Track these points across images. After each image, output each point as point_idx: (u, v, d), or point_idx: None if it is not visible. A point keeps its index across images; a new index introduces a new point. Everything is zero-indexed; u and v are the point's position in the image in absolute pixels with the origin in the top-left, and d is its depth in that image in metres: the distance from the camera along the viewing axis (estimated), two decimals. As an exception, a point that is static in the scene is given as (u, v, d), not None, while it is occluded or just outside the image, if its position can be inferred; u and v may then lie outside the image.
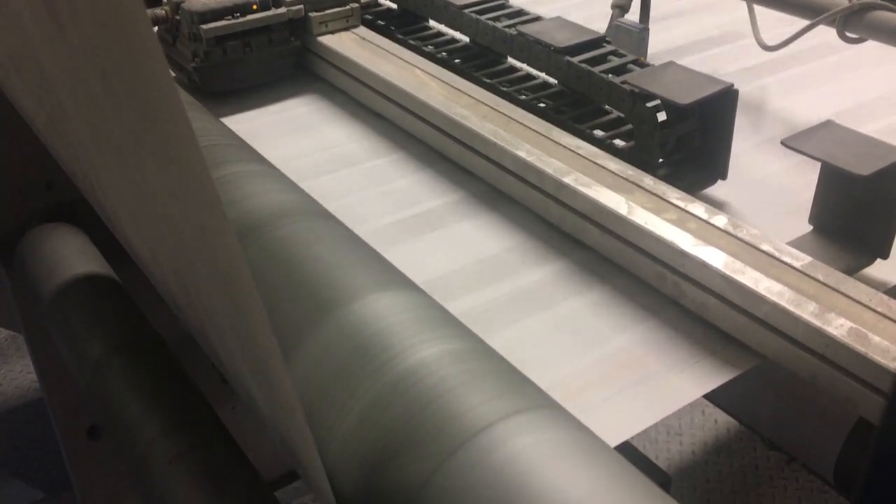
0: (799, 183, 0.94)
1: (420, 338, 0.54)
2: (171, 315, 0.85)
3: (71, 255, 1.44)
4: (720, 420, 2.16)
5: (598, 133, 0.97)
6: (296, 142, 1.06)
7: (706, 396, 0.77)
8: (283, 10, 1.11)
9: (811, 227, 0.84)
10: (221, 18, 1.07)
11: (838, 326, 0.66)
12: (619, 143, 0.95)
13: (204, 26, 1.06)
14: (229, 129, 0.87)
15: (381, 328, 0.55)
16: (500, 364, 0.54)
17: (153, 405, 1.10)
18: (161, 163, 0.41)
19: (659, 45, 1.23)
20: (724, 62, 1.23)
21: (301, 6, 1.12)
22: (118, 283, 1.38)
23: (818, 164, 0.81)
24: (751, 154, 1.01)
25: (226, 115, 1.10)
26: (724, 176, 0.92)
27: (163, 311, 1.02)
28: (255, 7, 1.09)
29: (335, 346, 0.55)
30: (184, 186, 0.40)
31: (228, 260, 0.40)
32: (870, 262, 0.80)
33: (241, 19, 1.08)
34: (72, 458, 1.68)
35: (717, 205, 0.92)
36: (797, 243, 0.81)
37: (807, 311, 0.67)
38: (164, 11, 1.09)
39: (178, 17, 1.08)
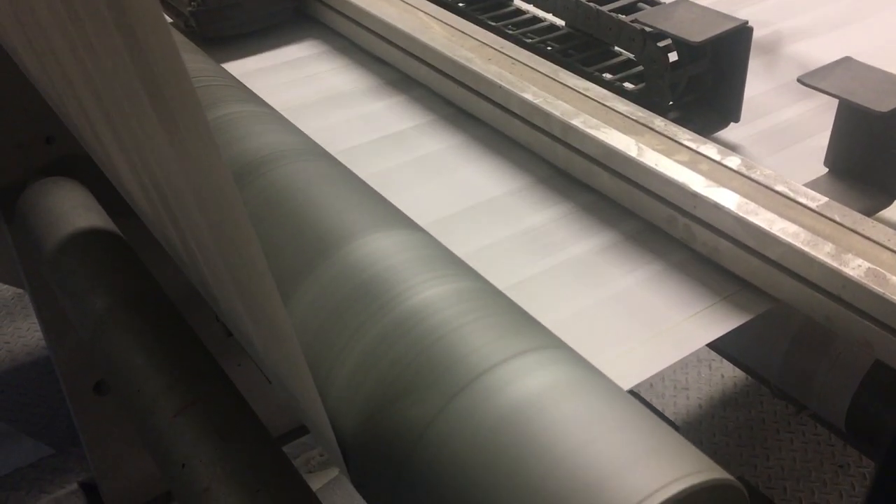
0: (815, 126, 0.92)
1: (423, 277, 0.52)
2: (175, 269, 0.83)
3: (72, 210, 1.42)
4: (727, 374, 2.15)
5: (607, 76, 0.94)
6: (295, 88, 1.03)
7: (716, 346, 0.76)
8: (281, -49, 1.08)
9: (827, 171, 0.82)
10: (218, -40, 1.04)
11: (855, 267, 0.64)
12: (628, 85, 0.92)
13: (200, -31, 1.02)
14: (225, 71, 0.84)
15: (382, 268, 0.53)
16: (506, 304, 0.53)
17: (157, 359, 1.09)
18: (155, 104, 0.40)
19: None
20: (738, 4, 1.19)
21: (300, -53, 1.09)
22: (121, 237, 1.36)
23: (834, 108, 0.78)
24: (765, 97, 0.98)
25: (224, 61, 1.07)
26: (737, 118, 0.89)
27: (166, 264, 1.00)
28: (252, -51, 1.06)
29: (335, 287, 0.53)
30: (179, 129, 0.38)
31: (225, 201, 0.39)
32: (888, 203, 0.78)
33: (238, -39, 1.05)
34: (79, 414, 1.68)
35: (730, 148, 0.90)
36: (813, 185, 0.79)
37: (822, 252, 0.65)
38: (158, -46, 1.06)
39: (172, -40, 1.05)
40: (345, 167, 0.67)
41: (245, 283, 0.45)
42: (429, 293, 0.51)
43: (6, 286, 2.49)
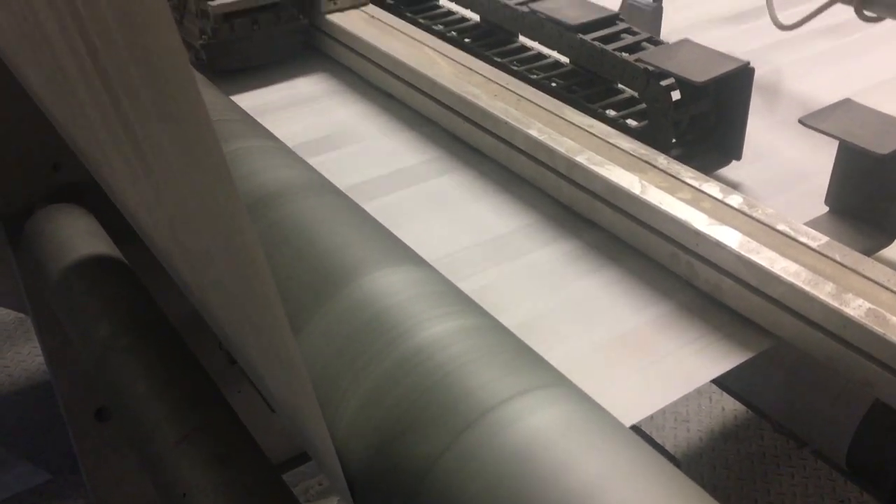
0: (815, 165, 0.93)
1: (430, 314, 0.53)
2: (179, 296, 0.84)
3: (78, 236, 1.43)
4: (727, 407, 2.15)
5: (611, 113, 0.96)
6: (303, 120, 1.04)
7: (716, 380, 0.76)
8: (291, -14, 1.10)
9: (827, 209, 0.83)
10: (229, -5, 1.06)
11: (856, 307, 0.64)
12: (631, 122, 0.94)
13: (212, 3, 1.04)
14: (236, 105, 0.86)
15: (390, 304, 0.54)
16: (512, 341, 0.53)
17: (160, 387, 1.09)
18: (174, 138, 0.41)
19: (673, 23, 1.21)
20: (740, 41, 1.21)
21: (310, -17, 1.11)
22: (125, 264, 1.37)
23: (835, 147, 0.79)
24: (766, 135, 1.00)
25: (233, 94, 1.09)
26: (738, 156, 0.91)
27: (170, 291, 1.01)
28: (263, -16, 1.08)
29: (344, 322, 0.54)
30: (195, 162, 0.39)
31: (240, 236, 0.40)
32: (888, 242, 0.79)
33: (249, -4, 1.07)
34: (79, 440, 1.68)
35: (732, 186, 0.91)
36: (814, 224, 0.80)
37: (824, 292, 0.66)
38: (171, -12, 1.08)
39: (185, -6, 1.07)
40: (354, 202, 0.68)
41: (256, 317, 0.46)
42: (436, 329, 0.52)
43: (7, 310, 2.49)
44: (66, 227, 1.45)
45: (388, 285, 0.55)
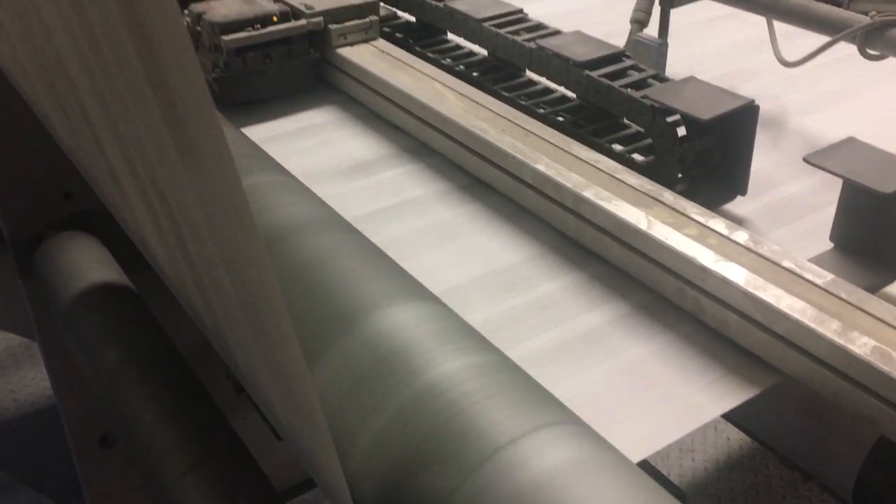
0: (820, 200, 0.94)
1: (442, 350, 0.54)
2: (186, 323, 0.85)
3: (87, 264, 1.45)
4: (733, 437, 2.15)
5: (617, 147, 0.97)
6: (313, 153, 1.06)
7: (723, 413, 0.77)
8: (303, 21, 1.12)
9: (832, 245, 0.84)
10: (242, 30, 1.08)
11: (861, 345, 0.65)
12: (638, 157, 0.95)
13: (225, 37, 1.06)
14: (250, 140, 0.87)
15: (402, 341, 0.55)
16: (522, 378, 0.54)
17: (168, 416, 1.10)
18: (192, 173, 0.41)
19: (678, 59, 1.23)
20: (744, 77, 1.23)
21: (321, 18, 1.13)
22: (134, 292, 1.38)
23: (839, 182, 0.80)
24: (771, 170, 1.01)
25: (245, 125, 1.11)
26: (743, 192, 0.92)
27: (178, 318, 1.02)
28: (275, 19, 1.10)
29: (357, 359, 0.55)
30: (214, 197, 0.40)
31: (257, 272, 0.40)
32: (892, 279, 0.79)
33: (261, 31, 1.09)
34: (83, 467, 1.68)
35: (737, 221, 0.92)
36: (818, 260, 0.81)
37: (829, 329, 0.67)
38: (185, 22, 1.10)
39: (199, 28, 1.09)
40: (366, 238, 0.69)
41: (272, 352, 0.46)
42: (447, 367, 0.53)
43: (13, 335, 2.50)
44: (76, 255, 1.46)
45: (401, 322, 0.56)
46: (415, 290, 0.61)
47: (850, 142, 0.81)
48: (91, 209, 1.54)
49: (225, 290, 0.50)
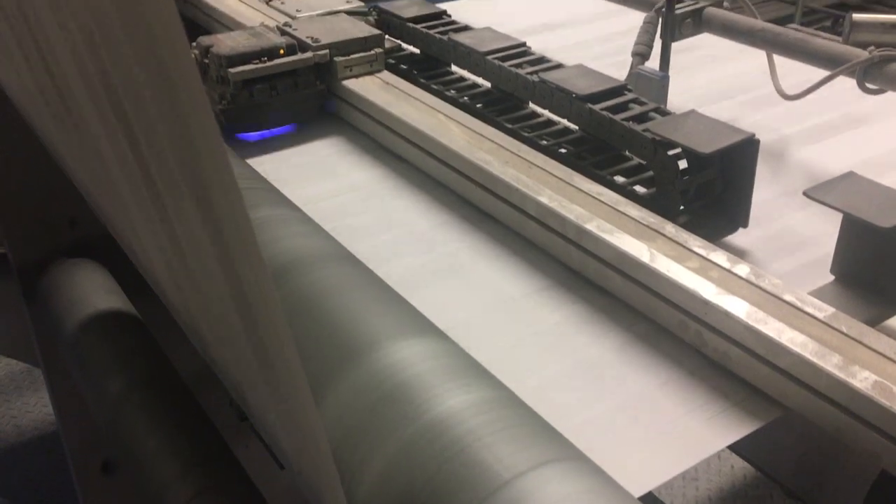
0: (821, 232, 0.95)
1: (447, 386, 0.54)
2: (189, 350, 0.85)
3: (93, 291, 1.46)
4: (737, 466, 2.14)
5: (619, 179, 0.98)
6: (318, 184, 1.07)
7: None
8: (309, 54, 1.13)
9: (833, 277, 0.85)
10: (249, 62, 1.09)
11: (863, 379, 0.66)
12: (640, 189, 0.96)
13: (232, 70, 1.08)
14: (256, 172, 0.88)
15: (407, 377, 0.55)
16: (528, 414, 0.55)
17: (171, 444, 1.10)
18: (200, 205, 0.42)
19: (679, 92, 1.24)
20: (744, 110, 1.24)
21: (327, 51, 1.15)
22: (139, 319, 1.39)
23: (839, 214, 0.81)
24: (772, 203, 1.02)
25: (250, 156, 1.12)
26: (745, 224, 0.93)
27: (181, 345, 1.03)
28: (282, 52, 1.12)
29: (363, 394, 0.55)
30: (222, 231, 0.41)
31: (265, 306, 0.41)
32: (893, 313, 0.80)
33: (268, 63, 1.10)
34: (85, 493, 1.68)
35: (739, 253, 0.93)
36: (819, 293, 0.82)
37: (830, 364, 0.67)
38: (193, 55, 1.12)
39: (206, 61, 1.11)
40: (372, 272, 0.70)
41: (279, 385, 0.47)
42: (452, 402, 0.53)
43: (16, 360, 2.50)
44: (81, 282, 1.47)
45: (407, 357, 0.57)
46: (421, 324, 0.62)
47: (850, 176, 0.82)
48: (96, 235, 1.55)
49: (232, 323, 0.51)
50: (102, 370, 1.27)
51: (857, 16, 1.66)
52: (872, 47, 0.99)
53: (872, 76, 0.99)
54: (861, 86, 1.01)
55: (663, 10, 1.15)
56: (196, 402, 1.20)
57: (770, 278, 0.77)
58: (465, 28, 1.25)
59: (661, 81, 1.12)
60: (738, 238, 0.94)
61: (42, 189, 1.53)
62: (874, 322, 0.79)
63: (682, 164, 0.92)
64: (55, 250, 1.56)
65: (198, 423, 1.18)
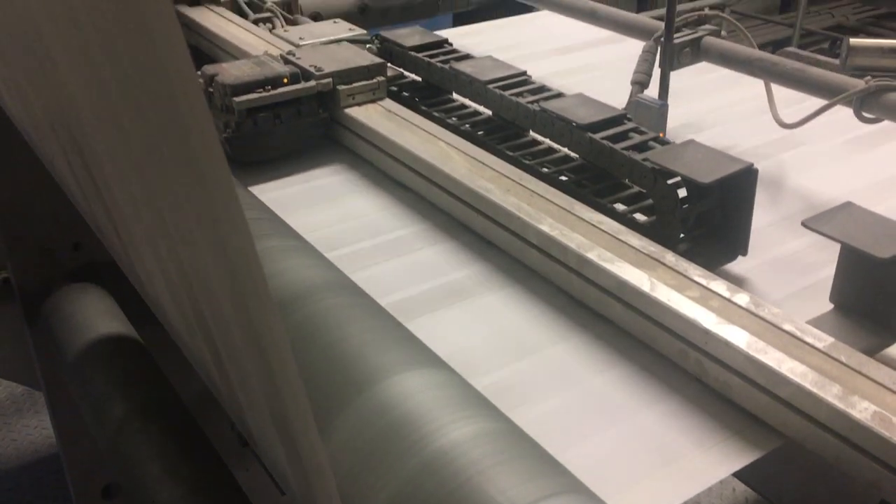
0: (819, 259, 0.96)
1: (450, 418, 0.55)
2: (192, 373, 0.86)
3: (95, 315, 1.46)
4: (739, 489, 2.13)
5: (620, 207, 0.99)
6: (321, 211, 1.08)
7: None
8: (312, 83, 1.15)
9: (832, 306, 0.85)
10: (253, 91, 1.11)
11: (862, 410, 0.66)
12: (640, 217, 0.97)
13: (236, 99, 1.09)
14: (260, 202, 0.89)
15: (411, 408, 0.56)
16: (529, 445, 0.55)
17: (172, 469, 1.11)
18: (206, 234, 0.42)
19: (678, 119, 1.26)
20: (742, 137, 1.26)
21: (330, 80, 1.16)
22: (141, 344, 1.39)
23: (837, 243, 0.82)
24: (771, 230, 1.03)
25: (253, 184, 1.13)
26: (744, 252, 0.94)
27: (183, 368, 1.03)
28: (285, 80, 1.13)
29: (367, 425, 0.56)
30: (227, 262, 0.41)
31: (270, 337, 0.42)
32: (892, 341, 0.81)
33: (272, 92, 1.11)
34: (85, 517, 1.67)
35: (738, 280, 0.94)
36: (818, 322, 0.82)
37: (830, 394, 0.68)
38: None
39: (211, 90, 1.12)
40: (376, 303, 0.70)
41: (283, 415, 0.47)
42: (456, 434, 0.54)
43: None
44: (84, 307, 1.48)
45: (410, 388, 0.58)
46: (424, 355, 0.63)
47: (848, 206, 0.83)
48: (100, 260, 1.56)
49: (238, 354, 0.51)
50: (104, 394, 1.28)
51: (854, 41, 1.68)
52: (869, 77, 1.00)
53: (869, 105, 1.00)
54: (858, 115, 1.02)
55: (662, 39, 1.16)
56: (198, 427, 1.20)
57: (770, 307, 0.78)
58: (467, 56, 1.27)
59: (660, 109, 1.14)
60: (737, 265, 0.95)
61: (46, 214, 1.54)
62: (873, 351, 0.80)
63: (682, 192, 0.93)
64: (58, 275, 1.56)
65: (199, 447, 1.19)
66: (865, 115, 1.02)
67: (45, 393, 1.65)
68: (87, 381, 1.32)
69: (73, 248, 1.58)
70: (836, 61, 1.71)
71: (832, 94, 1.03)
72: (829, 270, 0.86)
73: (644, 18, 1.32)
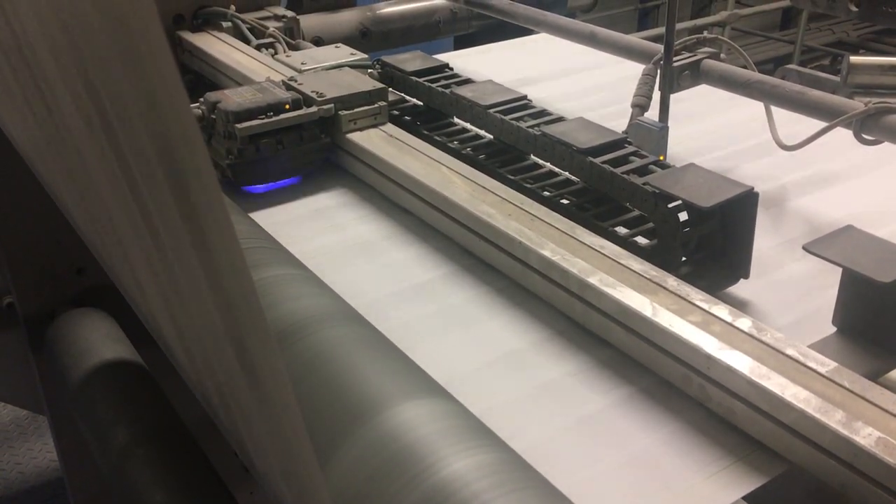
0: (821, 282, 0.95)
1: (453, 448, 0.55)
2: (194, 397, 0.86)
3: (99, 341, 1.46)
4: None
5: (621, 230, 0.99)
6: (322, 236, 1.08)
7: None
8: (314, 108, 1.15)
9: (834, 329, 0.85)
10: (255, 117, 1.11)
11: (866, 436, 0.66)
12: (641, 240, 0.97)
13: (239, 125, 1.10)
14: (262, 229, 0.90)
15: (413, 439, 0.56)
16: (533, 476, 0.55)
17: (177, 496, 1.10)
18: (204, 265, 0.43)
19: (678, 141, 1.26)
20: (743, 159, 1.26)
21: (331, 105, 1.17)
22: (145, 369, 1.39)
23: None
24: (772, 252, 1.03)
25: (255, 209, 1.13)
26: (746, 275, 0.94)
27: (187, 391, 1.03)
28: (287, 106, 1.14)
29: (369, 457, 0.56)
30: (225, 294, 0.41)
31: (269, 366, 0.42)
32: (895, 365, 0.81)
33: (274, 118, 1.12)
34: (89, 544, 1.67)
35: (740, 304, 0.94)
36: (821, 345, 0.82)
37: (834, 420, 0.68)
38: (200, 111, 1.14)
39: (213, 116, 1.13)
40: (376, 330, 0.71)
41: (283, 447, 0.47)
42: (459, 465, 0.54)
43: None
44: (88, 332, 1.48)
45: (412, 418, 0.58)
46: (426, 384, 0.63)
47: (849, 230, 0.83)
48: (103, 284, 1.56)
49: (238, 387, 0.51)
50: (108, 420, 1.28)
51: (854, 59, 1.68)
52: (869, 100, 1.01)
53: (869, 128, 1.01)
54: (858, 137, 1.02)
55: (661, 62, 1.17)
56: (201, 451, 1.20)
57: (772, 332, 0.78)
58: (468, 81, 1.28)
59: (660, 132, 1.14)
60: (739, 288, 0.95)
61: (49, 239, 1.55)
62: (876, 374, 0.79)
63: (683, 215, 0.93)
64: (62, 300, 1.57)
65: (202, 472, 1.18)
66: (865, 136, 1.02)
67: (49, 418, 1.65)
68: (90, 407, 1.32)
69: (77, 272, 1.59)
70: (838, 78, 1.72)
71: (832, 116, 1.04)
72: (831, 293, 0.86)
73: (643, 42, 1.32)
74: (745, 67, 1.21)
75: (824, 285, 0.94)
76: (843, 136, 1.10)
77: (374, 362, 0.64)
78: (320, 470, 0.46)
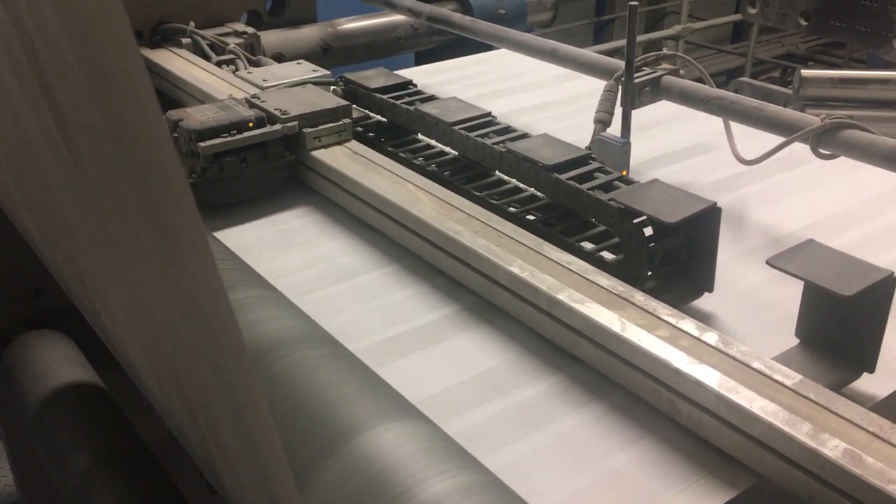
0: (783, 294, 0.97)
1: (431, 471, 0.55)
2: (158, 418, 0.84)
3: (57, 363, 1.43)
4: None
5: (587, 245, 1.00)
6: (290, 255, 1.07)
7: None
8: (278, 126, 1.15)
9: (797, 340, 0.87)
10: (218, 136, 1.10)
11: (833, 448, 0.67)
12: (607, 255, 0.98)
13: (202, 144, 1.09)
14: (228, 250, 0.89)
15: (390, 462, 0.56)
16: (511, 498, 0.55)
17: (141, 522, 1.08)
18: (174, 286, 0.42)
19: (640, 155, 1.28)
20: (703, 172, 1.28)
21: (296, 122, 1.16)
22: (105, 391, 1.37)
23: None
24: (734, 264, 1.05)
25: (220, 227, 1.12)
26: (710, 289, 0.95)
27: (149, 413, 1.01)
28: (250, 124, 1.13)
29: (347, 480, 0.55)
30: (200, 314, 0.41)
31: (245, 390, 0.41)
32: (858, 375, 0.82)
33: (237, 136, 1.11)
34: (48, 571, 1.63)
35: (705, 317, 0.95)
36: (785, 357, 0.84)
37: (801, 432, 0.69)
38: (162, 129, 1.12)
39: (175, 135, 1.11)
40: (349, 352, 0.70)
41: (259, 471, 0.47)
42: (437, 488, 0.54)
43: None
44: (46, 354, 1.45)
45: (389, 440, 0.57)
46: (400, 406, 0.63)
47: (810, 244, 0.85)
48: (61, 305, 1.53)
49: (213, 410, 0.50)
50: (69, 445, 1.25)
51: (806, 72, 1.72)
52: (824, 114, 1.03)
53: (825, 142, 1.03)
54: (815, 151, 1.05)
55: (622, 78, 1.18)
56: (165, 475, 1.18)
57: (738, 346, 0.79)
58: (432, 98, 1.28)
59: (623, 147, 1.15)
60: (704, 301, 0.97)
61: (6, 261, 1.51)
62: (840, 385, 0.81)
63: (648, 230, 0.95)
64: (19, 322, 1.53)
65: (168, 496, 1.16)
66: (822, 151, 1.04)
67: (6, 444, 1.61)
68: (50, 431, 1.29)
69: (35, 294, 1.55)
70: (790, 91, 1.75)
71: (789, 131, 1.06)
72: (793, 304, 0.87)
73: (603, 58, 1.34)
74: (701, 81, 1.23)
75: (786, 297, 0.96)
76: (801, 148, 1.13)
77: (347, 384, 0.63)
78: (298, 493, 0.45)
